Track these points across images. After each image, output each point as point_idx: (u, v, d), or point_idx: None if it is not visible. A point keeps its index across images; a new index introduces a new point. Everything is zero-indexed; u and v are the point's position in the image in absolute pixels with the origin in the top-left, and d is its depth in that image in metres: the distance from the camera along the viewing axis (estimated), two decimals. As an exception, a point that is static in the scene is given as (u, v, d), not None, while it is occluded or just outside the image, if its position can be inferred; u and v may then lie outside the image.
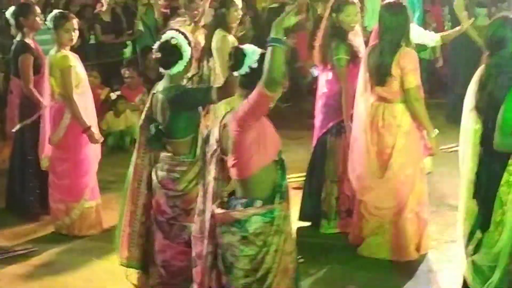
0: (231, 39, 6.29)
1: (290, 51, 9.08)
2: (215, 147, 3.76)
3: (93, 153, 6.14)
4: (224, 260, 3.70)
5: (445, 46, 9.59)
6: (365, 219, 5.54)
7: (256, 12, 10.44)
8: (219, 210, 3.70)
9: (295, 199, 4.19)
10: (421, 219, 5.47)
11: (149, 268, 4.64)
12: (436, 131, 5.37)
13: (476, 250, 4.29)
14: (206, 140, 3.87)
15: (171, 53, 4.43)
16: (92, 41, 10.18)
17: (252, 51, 3.64)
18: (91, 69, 8.96)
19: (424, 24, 9.06)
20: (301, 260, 4.24)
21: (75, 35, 6.05)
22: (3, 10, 6.92)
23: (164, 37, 4.49)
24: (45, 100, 6.17)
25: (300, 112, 9.37)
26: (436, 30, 7.25)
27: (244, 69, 3.62)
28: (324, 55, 5.83)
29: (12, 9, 6.59)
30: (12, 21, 6.53)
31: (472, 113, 4.33)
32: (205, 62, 6.57)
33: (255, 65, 3.60)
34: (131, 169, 4.65)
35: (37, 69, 6.37)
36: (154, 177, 4.56)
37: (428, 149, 5.40)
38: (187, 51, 4.46)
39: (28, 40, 6.48)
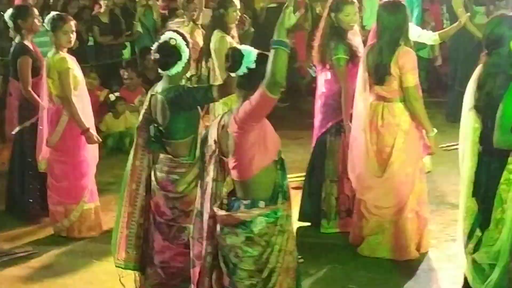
0: (229, 40, 6.29)
1: (289, 51, 9.06)
2: (213, 148, 3.76)
3: (91, 155, 6.14)
4: (227, 261, 3.70)
5: (444, 44, 9.62)
6: (365, 219, 5.54)
7: (255, 12, 10.43)
8: (221, 212, 3.70)
9: (295, 199, 4.19)
10: (421, 218, 5.47)
11: (146, 270, 4.63)
12: (435, 130, 5.38)
13: (476, 248, 4.29)
14: (203, 141, 3.87)
15: (170, 54, 4.43)
16: (90, 43, 10.17)
17: (249, 52, 3.64)
18: (89, 71, 8.97)
19: (423, 23, 9.07)
20: (301, 260, 4.24)
21: (73, 37, 6.04)
22: (2, 13, 6.90)
23: (163, 38, 4.49)
24: (43, 102, 6.17)
25: (299, 112, 9.37)
26: (435, 29, 7.25)
27: (242, 70, 3.62)
28: (323, 55, 5.82)
29: (10, 11, 6.58)
30: (10, 24, 6.52)
31: (471, 112, 4.32)
32: (203, 63, 6.57)
33: (252, 66, 3.60)
34: (127, 171, 4.64)
35: (36, 71, 6.36)
36: (153, 178, 4.55)
37: (427, 148, 5.40)
38: (185, 52, 4.46)
39: (26, 42, 6.47)
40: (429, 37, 6.18)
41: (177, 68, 4.44)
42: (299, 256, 3.98)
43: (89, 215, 6.16)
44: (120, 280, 4.66)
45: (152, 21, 10.33)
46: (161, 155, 4.53)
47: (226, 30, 6.40)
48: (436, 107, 8.81)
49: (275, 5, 10.07)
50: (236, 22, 6.60)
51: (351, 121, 5.61)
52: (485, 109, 4.22)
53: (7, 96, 7.00)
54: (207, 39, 6.57)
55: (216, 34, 6.38)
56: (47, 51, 6.12)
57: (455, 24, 6.31)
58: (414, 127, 5.34)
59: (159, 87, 4.54)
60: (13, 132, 6.61)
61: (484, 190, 4.24)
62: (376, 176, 5.41)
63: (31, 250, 5.94)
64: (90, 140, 6.00)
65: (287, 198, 3.73)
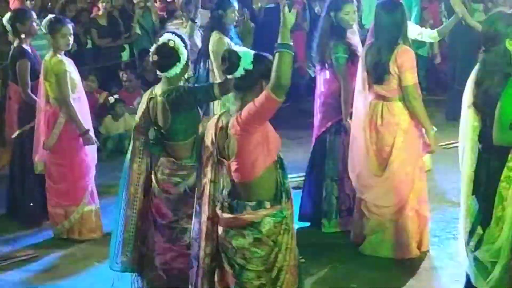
0: (227, 41, 6.29)
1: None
2: (210, 149, 3.76)
3: (89, 156, 6.14)
4: (233, 263, 3.70)
5: (443, 43, 9.62)
6: (365, 218, 5.54)
7: (253, 12, 10.42)
8: (227, 215, 3.70)
9: (295, 199, 4.20)
10: (421, 217, 5.47)
11: (147, 273, 4.62)
12: (435, 128, 5.38)
13: (477, 246, 4.29)
14: (200, 142, 3.87)
15: (169, 55, 4.43)
16: (89, 46, 10.17)
17: (246, 53, 3.65)
18: (88, 73, 8.97)
19: (422, 21, 9.07)
20: (303, 260, 4.24)
21: (71, 39, 6.05)
22: (0, 17, 6.90)
23: (162, 39, 4.49)
24: (40, 105, 6.16)
25: (299, 112, 9.36)
26: (433, 27, 7.24)
27: (239, 72, 3.63)
28: (322, 54, 5.82)
29: (8, 15, 6.59)
30: (8, 27, 6.52)
31: (470, 109, 4.32)
32: (201, 64, 6.57)
33: (250, 67, 3.61)
34: (125, 174, 4.63)
35: (35, 74, 6.36)
36: (153, 181, 4.55)
37: (427, 146, 5.40)
38: (184, 54, 4.46)
39: (25, 46, 6.48)
40: (429, 35, 6.18)
41: (176, 69, 4.44)
42: (301, 256, 3.98)
43: (89, 217, 6.17)
44: (112, 284, 4.67)
45: (150, 23, 10.33)
46: (162, 158, 4.52)
47: (224, 31, 6.40)
48: (435, 106, 8.81)
49: (273, 5, 10.06)
50: (235, 23, 6.60)
51: (351, 120, 5.62)
52: (484, 107, 4.22)
53: (6, 100, 7.00)
54: (205, 40, 6.56)
55: (215, 35, 6.38)
56: (46, 54, 6.12)
57: (452, 18, 6.29)
58: (413, 125, 5.34)
59: (157, 89, 4.53)
60: (13, 136, 6.61)
61: (484, 188, 4.24)
62: (376, 175, 5.41)
63: (32, 253, 5.95)
64: (88, 142, 6.00)
65: (289, 197, 3.76)
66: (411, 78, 5.23)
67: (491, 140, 4.09)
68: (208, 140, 3.79)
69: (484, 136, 4.21)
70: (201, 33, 7.27)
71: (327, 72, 5.86)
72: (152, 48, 4.49)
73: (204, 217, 3.78)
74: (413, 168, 5.36)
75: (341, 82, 5.73)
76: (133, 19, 10.24)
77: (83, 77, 7.72)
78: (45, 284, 5.46)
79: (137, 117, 4.66)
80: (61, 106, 5.97)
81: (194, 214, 3.91)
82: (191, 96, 4.40)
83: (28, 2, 9.10)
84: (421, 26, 6.60)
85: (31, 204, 6.54)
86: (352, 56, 5.72)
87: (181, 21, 8.78)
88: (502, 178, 4.11)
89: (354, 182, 5.59)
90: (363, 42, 5.83)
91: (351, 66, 5.71)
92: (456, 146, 4.71)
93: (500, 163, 4.10)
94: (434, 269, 5.33)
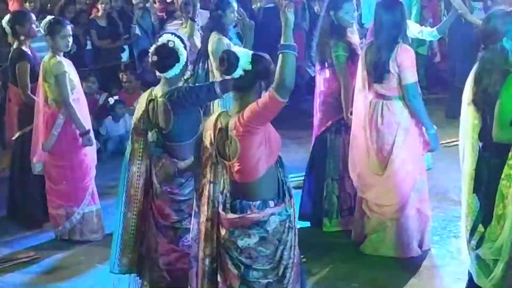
0: (227, 42, 6.28)
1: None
2: (209, 150, 3.76)
3: (89, 157, 6.14)
4: (238, 264, 3.71)
5: (442, 41, 9.61)
6: (366, 217, 5.54)
7: (252, 12, 10.42)
8: (231, 215, 3.70)
9: (295, 199, 4.21)
10: (423, 215, 5.47)
11: (146, 273, 4.62)
12: (435, 127, 5.37)
13: (479, 244, 4.28)
14: (198, 143, 3.86)
15: (168, 56, 4.43)
16: (88, 47, 10.17)
17: (244, 53, 3.65)
18: (88, 75, 8.95)
19: (422, 19, 9.07)
20: (304, 259, 4.24)
21: (70, 41, 6.06)
22: (-1, 19, 6.90)
23: (161, 40, 4.49)
24: (38, 106, 6.16)
25: (298, 111, 9.35)
26: (433, 26, 7.24)
27: (238, 72, 3.63)
28: (322, 53, 5.83)
29: (7, 17, 6.59)
30: (8, 29, 6.52)
31: (470, 107, 4.32)
32: (200, 65, 6.56)
33: (248, 68, 3.61)
34: (124, 176, 4.62)
35: (35, 76, 6.36)
36: (155, 182, 4.53)
37: (427, 145, 5.40)
38: (183, 54, 4.46)
39: (25, 48, 6.48)
40: (429, 33, 6.19)
41: (175, 70, 4.45)
42: (302, 256, 3.98)
43: (90, 218, 6.17)
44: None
45: (150, 24, 10.32)
46: (164, 159, 4.51)
47: (223, 31, 6.39)
48: (435, 104, 8.80)
49: (272, 5, 10.06)
50: (234, 24, 6.59)
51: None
52: (483, 105, 4.22)
53: (6, 102, 7.01)
54: (204, 40, 6.56)
55: (214, 36, 6.37)
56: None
57: (450, 14, 6.27)
58: (414, 124, 5.33)
59: (157, 91, 4.52)
60: (13, 138, 6.61)
61: (485, 186, 4.24)
62: (376, 174, 5.41)
63: (33, 255, 5.94)
64: (87, 143, 6.01)
65: (291, 195, 3.78)
66: (410, 76, 5.23)
67: (491, 138, 4.09)
68: (206, 141, 3.79)
69: (484, 134, 4.21)
70: (200, 34, 7.27)
71: (327, 71, 5.86)
72: (152, 49, 4.49)
73: (203, 218, 3.78)
74: (414, 166, 5.36)
75: (341, 81, 5.73)
76: (132, 20, 10.24)
77: (83, 78, 7.73)
78: (47, 285, 5.46)
79: (135, 119, 4.65)
80: (60, 107, 5.98)
81: (193, 214, 3.91)
82: (193, 96, 4.40)
83: (27, 4, 9.10)
84: (421, 25, 6.60)
85: (32, 205, 6.54)
86: (352, 55, 5.72)
87: (180, 21, 8.77)
88: (502, 176, 4.10)
89: (354, 181, 5.59)
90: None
91: (351, 65, 5.70)
92: (457, 144, 4.70)
93: (501, 161, 4.10)
94: (435, 268, 5.33)
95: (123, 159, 4.70)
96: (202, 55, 6.54)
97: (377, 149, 5.38)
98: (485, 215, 4.25)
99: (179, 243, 4.50)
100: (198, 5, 7.30)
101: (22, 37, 6.46)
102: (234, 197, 3.75)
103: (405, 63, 5.20)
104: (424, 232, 5.50)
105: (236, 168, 3.67)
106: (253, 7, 10.48)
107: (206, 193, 3.78)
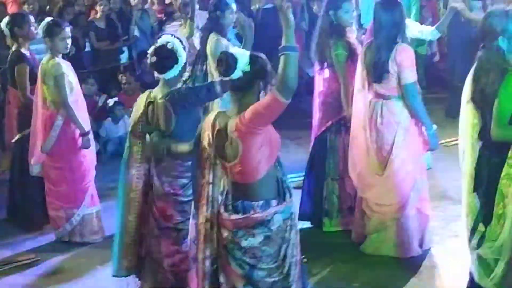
0: (225, 43, 6.28)
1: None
2: (208, 151, 3.76)
3: (88, 159, 6.15)
4: (242, 264, 3.70)
5: (441, 40, 9.61)
6: (367, 217, 5.54)
7: (251, 13, 10.43)
8: (235, 216, 3.70)
9: (295, 199, 4.21)
10: (423, 215, 5.47)
11: (150, 276, 4.61)
12: (435, 126, 5.37)
13: (480, 244, 4.28)
14: (196, 143, 3.86)
15: (167, 57, 4.43)
16: (87, 49, 10.18)
17: (242, 54, 3.65)
18: (87, 77, 8.96)
19: (421, 19, 9.06)
20: (305, 260, 4.24)
21: (69, 43, 6.07)
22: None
23: (160, 41, 4.48)
24: (37, 107, 6.16)
25: (298, 111, 9.34)
26: (433, 25, 7.23)
27: (237, 74, 3.62)
28: (322, 53, 5.83)
29: (6, 19, 6.59)
30: (7, 32, 6.53)
31: (469, 105, 4.31)
32: (199, 66, 6.56)
33: (247, 68, 3.61)
34: (123, 179, 4.61)
35: (34, 78, 6.36)
36: (157, 184, 4.51)
37: (427, 144, 5.39)
38: (182, 56, 4.46)
39: (23, 50, 6.48)
40: (429, 32, 6.19)
41: (174, 71, 4.44)
42: (303, 256, 3.98)
43: (90, 219, 6.18)
44: None
45: (149, 25, 10.34)
46: (166, 161, 4.50)
47: (222, 32, 6.39)
48: (435, 103, 8.79)
49: (270, 6, 10.06)
50: (232, 25, 6.59)
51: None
52: (482, 104, 4.22)
53: (6, 104, 7.01)
54: (203, 41, 6.56)
55: (212, 37, 6.37)
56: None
57: (447, 12, 6.27)
58: (413, 124, 5.33)
59: (156, 93, 4.51)
60: (13, 140, 6.62)
61: (485, 185, 4.24)
62: (377, 174, 5.41)
63: (34, 257, 5.94)
64: (86, 144, 6.00)
65: (291, 193, 3.79)
66: (410, 76, 5.23)
67: (491, 137, 4.09)
68: (204, 142, 3.78)
69: (484, 133, 4.20)
70: (199, 35, 7.27)
71: (327, 71, 5.86)
72: (151, 50, 4.49)
73: (202, 219, 3.78)
74: (414, 166, 5.36)
75: (341, 80, 5.73)
76: (131, 22, 10.24)
77: (82, 80, 7.73)
78: (48, 287, 5.46)
79: (132, 121, 4.63)
80: (59, 109, 5.98)
81: (191, 215, 3.91)
82: (194, 96, 4.40)
83: (26, 6, 9.12)
84: (421, 24, 6.60)
85: (32, 208, 6.54)
86: (351, 54, 5.72)
87: (179, 22, 8.78)
88: (502, 175, 4.10)
89: (355, 181, 5.59)
90: (361, 42, 5.83)
91: (350, 65, 5.70)
92: (457, 144, 4.70)
93: (501, 160, 4.10)
94: (436, 267, 5.33)
95: (122, 161, 4.69)
96: (200, 56, 6.54)
97: (377, 149, 5.38)
98: (485, 214, 4.24)
99: (183, 245, 4.49)
100: (197, 6, 7.31)
101: (20, 40, 6.47)
102: (235, 198, 3.75)
103: (404, 62, 5.20)
104: (424, 231, 5.50)
105: (237, 169, 3.67)
106: (252, 8, 10.49)
107: (205, 194, 3.78)
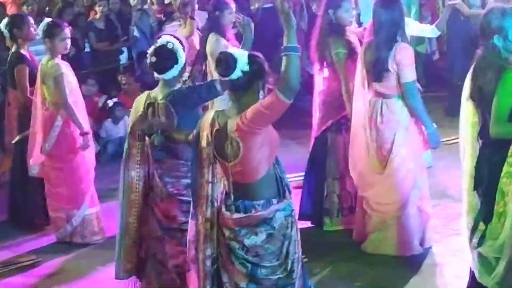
0: (225, 43, 6.28)
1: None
2: (207, 150, 3.75)
3: (87, 159, 6.15)
4: (245, 262, 3.70)
5: (441, 38, 9.61)
6: (367, 215, 5.54)
7: (250, 12, 10.43)
8: (238, 215, 3.70)
9: (295, 198, 4.21)
10: (423, 213, 5.47)
11: (154, 277, 4.60)
12: (434, 125, 5.37)
13: (480, 242, 4.28)
14: (195, 143, 3.85)
15: (167, 57, 4.42)
16: (87, 49, 10.18)
17: (241, 54, 3.65)
18: (87, 77, 8.96)
19: (420, 17, 9.07)
20: (306, 259, 4.24)
21: (69, 43, 6.07)
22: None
23: (160, 41, 4.48)
24: (36, 108, 6.16)
25: (297, 111, 9.34)
26: (432, 23, 7.24)
27: (237, 74, 3.62)
28: (322, 52, 5.83)
29: (5, 21, 6.59)
30: (6, 33, 6.53)
31: (468, 102, 4.31)
32: (198, 66, 6.56)
33: (246, 68, 3.61)
34: (123, 182, 4.60)
35: (33, 79, 6.36)
36: (160, 185, 4.50)
37: (427, 143, 5.40)
38: (182, 56, 4.46)
39: (23, 51, 6.49)
40: (429, 31, 6.18)
41: (174, 72, 4.44)
42: (303, 256, 3.98)
43: (91, 220, 6.18)
44: None
45: (148, 25, 10.33)
46: (168, 161, 4.49)
47: (221, 32, 6.39)
48: (434, 102, 8.79)
49: (270, 5, 10.06)
50: (232, 25, 6.59)
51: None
52: (480, 102, 4.22)
53: (5, 106, 7.01)
54: (203, 41, 6.56)
55: (212, 37, 6.37)
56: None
57: (445, 9, 6.26)
58: (413, 122, 5.33)
59: (156, 93, 4.50)
60: (13, 142, 6.62)
61: (485, 183, 4.23)
62: (377, 173, 5.41)
63: (35, 258, 5.95)
64: (85, 145, 6.00)
65: (290, 191, 3.80)
66: (409, 75, 5.23)
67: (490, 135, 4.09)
68: (203, 141, 3.78)
69: (484, 131, 4.20)
70: (199, 35, 7.27)
71: (326, 71, 5.86)
72: (150, 50, 4.48)
73: (202, 219, 3.78)
74: (414, 165, 5.36)
75: (341, 78, 5.73)
76: (130, 22, 10.24)
77: (82, 81, 7.73)
78: (49, 289, 5.48)
79: (131, 122, 4.62)
80: (58, 109, 5.99)
81: (190, 215, 3.90)
82: (195, 95, 4.40)
83: (25, 7, 9.12)
84: (420, 22, 6.60)
85: (33, 209, 6.55)
86: (351, 53, 5.73)
87: (179, 23, 8.77)
88: (503, 173, 4.10)
89: (355, 180, 5.59)
90: (360, 41, 5.82)
91: (350, 64, 5.71)
92: (457, 142, 4.70)
93: (501, 158, 4.09)
94: (437, 266, 5.33)
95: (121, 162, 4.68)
96: (200, 56, 6.54)
97: (377, 147, 5.38)
98: (485, 213, 4.24)
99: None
100: (196, 6, 7.31)
101: (20, 41, 6.48)
102: (235, 198, 3.75)
103: (404, 61, 5.20)
104: (425, 230, 5.50)
105: (238, 169, 3.67)
106: (251, 7, 10.49)
107: (204, 193, 3.77)
